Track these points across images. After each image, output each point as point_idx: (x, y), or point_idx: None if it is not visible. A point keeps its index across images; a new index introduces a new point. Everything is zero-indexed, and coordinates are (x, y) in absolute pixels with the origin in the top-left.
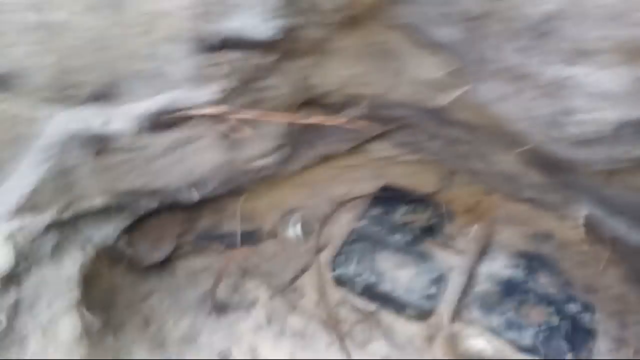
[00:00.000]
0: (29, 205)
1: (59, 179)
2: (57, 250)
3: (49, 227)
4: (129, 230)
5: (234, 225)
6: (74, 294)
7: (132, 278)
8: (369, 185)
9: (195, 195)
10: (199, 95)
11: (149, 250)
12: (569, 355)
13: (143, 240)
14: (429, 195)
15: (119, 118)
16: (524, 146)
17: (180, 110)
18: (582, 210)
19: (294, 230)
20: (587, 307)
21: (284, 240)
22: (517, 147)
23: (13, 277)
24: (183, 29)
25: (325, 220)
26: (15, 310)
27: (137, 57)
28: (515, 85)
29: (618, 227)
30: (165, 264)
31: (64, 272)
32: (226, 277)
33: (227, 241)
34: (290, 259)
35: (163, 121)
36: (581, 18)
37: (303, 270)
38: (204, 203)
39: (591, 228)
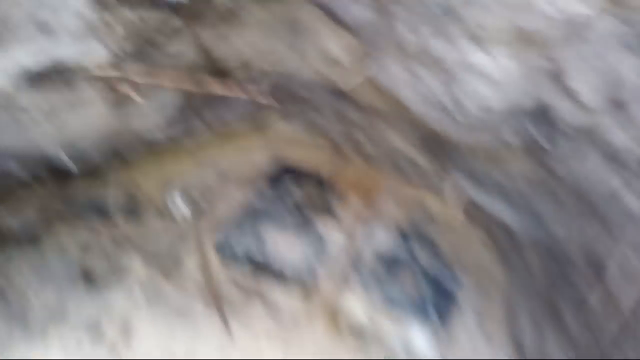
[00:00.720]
0: None
1: None
2: None
3: None
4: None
5: (111, 197)
6: None
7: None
8: (259, 159)
9: (73, 168)
10: (90, 54)
11: (11, 217)
12: (433, 319)
13: (5, 206)
14: (321, 175)
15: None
16: (420, 130)
17: (66, 69)
18: (463, 194)
19: (179, 206)
20: (452, 274)
21: (168, 216)
22: (413, 132)
23: None
24: None
25: (214, 196)
26: None
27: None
28: (415, 71)
29: (493, 209)
30: (29, 233)
31: None
32: (101, 253)
33: (102, 213)
34: (173, 235)
35: (46, 79)
36: (482, 3)
37: (180, 239)
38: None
39: (469, 210)
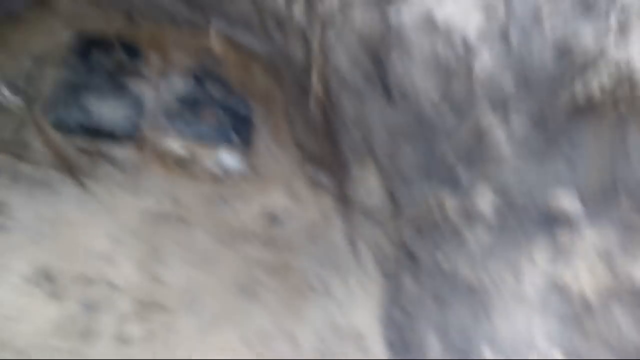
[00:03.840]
0: None
1: None
2: None
3: None
4: None
5: None
6: None
7: None
8: (63, 37)
9: None
10: None
11: None
12: (237, 141)
13: None
14: (117, 37)
15: None
16: None
17: None
18: (213, 27)
19: (8, 97)
20: (244, 103)
21: (2, 108)
22: None
23: None
24: None
25: (32, 77)
26: None
27: None
28: None
29: (235, 35)
30: None
31: None
32: None
33: None
34: (13, 123)
35: None
36: None
37: (21, 126)
38: None
39: (227, 41)
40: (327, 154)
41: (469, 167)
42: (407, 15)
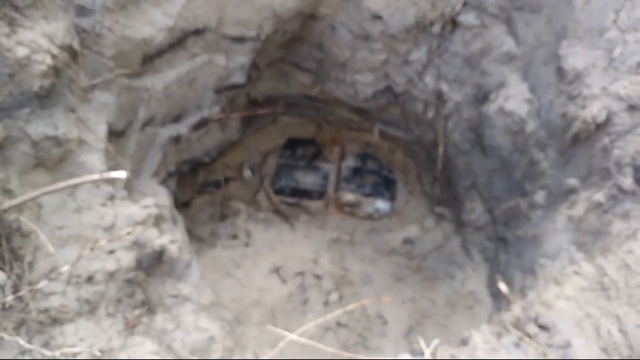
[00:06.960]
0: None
1: (162, 164)
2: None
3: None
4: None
5: (216, 176)
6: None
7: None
8: (280, 140)
9: (207, 159)
10: (213, 112)
11: (181, 195)
12: (386, 195)
13: (179, 190)
14: (312, 138)
15: (183, 129)
16: (347, 106)
17: (206, 118)
18: (376, 128)
19: (246, 173)
20: (390, 171)
21: (243, 179)
22: (345, 107)
23: None
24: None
25: (262, 164)
26: None
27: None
28: (339, 82)
29: (394, 134)
30: (187, 202)
31: None
32: (222, 206)
33: (215, 185)
34: (248, 187)
35: (198, 124)
36: None
37: (256, 192)
38: (200, 167)
39: (384, 135)
40: (447, 197)
41: (530, 181)
42: (491, 108)
